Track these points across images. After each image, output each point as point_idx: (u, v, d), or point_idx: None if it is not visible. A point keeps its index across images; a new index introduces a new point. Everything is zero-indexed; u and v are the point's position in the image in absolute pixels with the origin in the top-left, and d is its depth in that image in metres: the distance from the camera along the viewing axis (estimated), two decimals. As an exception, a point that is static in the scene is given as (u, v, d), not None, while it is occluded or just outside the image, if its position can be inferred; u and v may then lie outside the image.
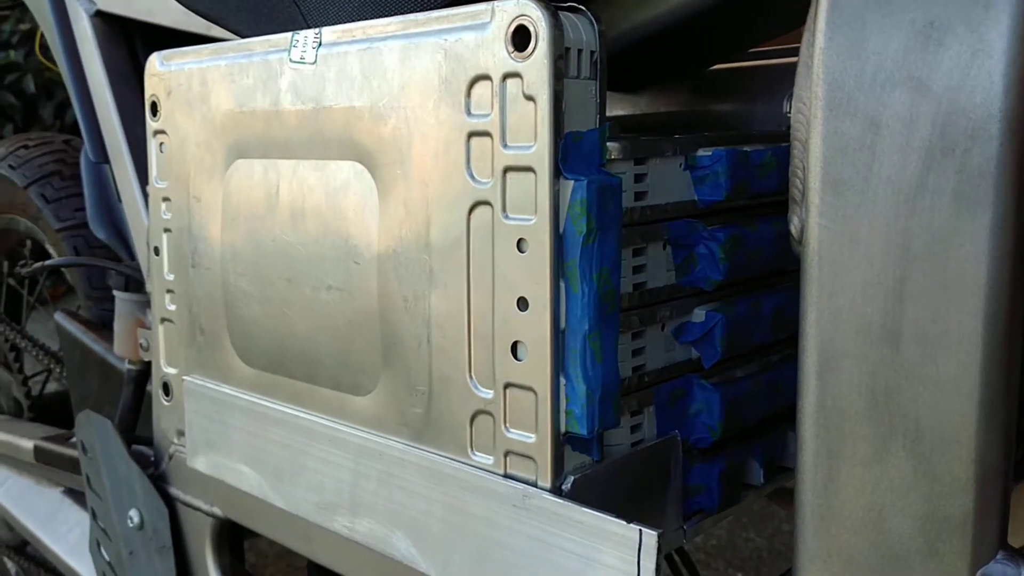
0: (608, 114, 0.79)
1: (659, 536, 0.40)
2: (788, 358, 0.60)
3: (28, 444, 0.95)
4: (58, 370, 1.10)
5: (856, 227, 0.36)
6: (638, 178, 0.49)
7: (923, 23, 0.34)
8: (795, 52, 0.73)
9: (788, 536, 1.49)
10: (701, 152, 0.52)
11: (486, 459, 0.48)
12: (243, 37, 0.66)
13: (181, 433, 0.69)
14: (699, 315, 0.53)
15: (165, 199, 0.67)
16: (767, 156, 0.54)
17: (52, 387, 1.27)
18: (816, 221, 0.37)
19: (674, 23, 0.57)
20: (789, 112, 0.72)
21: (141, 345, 0.75)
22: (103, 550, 0.77)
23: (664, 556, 0.80)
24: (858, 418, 0.36)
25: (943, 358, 0.34)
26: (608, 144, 0.47)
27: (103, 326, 0.96)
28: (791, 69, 0.72)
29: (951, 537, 0.35)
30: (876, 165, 0.35)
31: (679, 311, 0.52)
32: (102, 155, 0.88)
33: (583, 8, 0.46)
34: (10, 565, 1.28)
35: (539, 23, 0.43)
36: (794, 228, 0.39)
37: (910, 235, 0.34)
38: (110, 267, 0.79)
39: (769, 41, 0.72)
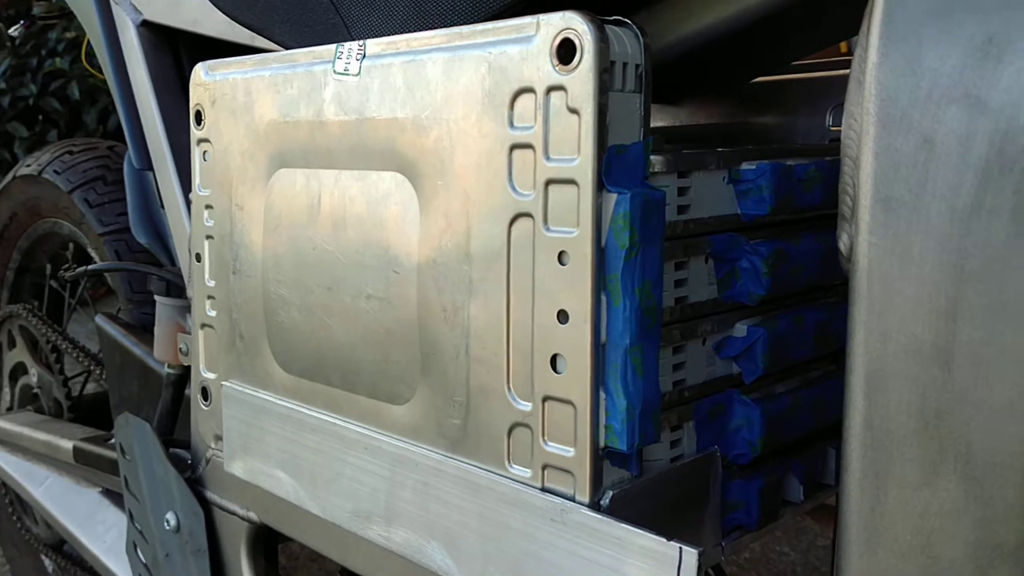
0: (657, 126, 0.79)
1: (699, 554, 0.40)
2: (830, 374, 0.59)
3: (67, 445, 0.97)
4: (98, 371, 1.12)
5: (908, 246, 0.35)
6: (681, 191, 0.48)
7: (982, 39, 0.33)
8: (838, 65, 0.73)
9: (822, 551, 1.46)
10: (745, 166, 0.51)
11: (524, 472, 0.47)
12: (287, 48, 0.66)
13: (219, 438, 0.69)
14: (741, 330, 0.52)
15: (208, 207, 0.68)
16: (811, 170, 0.54)
17: (91, 388, 1.29)
18: (866, 239, 0.36)
19: (718, 37, 0.56)
20: (831, 125, 0.71)
21: (181, 350, 0.76)
22: (140, 552, 0.78)
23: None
24: (907, 440, 0.36)
25: (997, 381, 0.33)
26: (652, 157, 0.46)
27: (143, 329, 0.97)
28: (833, 82, 0.72)
29: (1004, 564, 0.34)
30: (930, 183, 0.34)
31: (720, 326, 0.52)
32: (146, 162, 0.89)
33: (629, 22, 0.45)
34: (47, 563, 1.31)
35: (585, 36, 0.43)
36: (843, 245, 0.38)
37: (964, 255, 0.34)
38: (152, 272, 0.80)
39: (812, 54, 0.71)
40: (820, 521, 0.77)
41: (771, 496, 0.54)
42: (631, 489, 0.46)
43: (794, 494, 0.57)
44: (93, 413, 1.18)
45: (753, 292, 0.51)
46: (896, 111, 0.35)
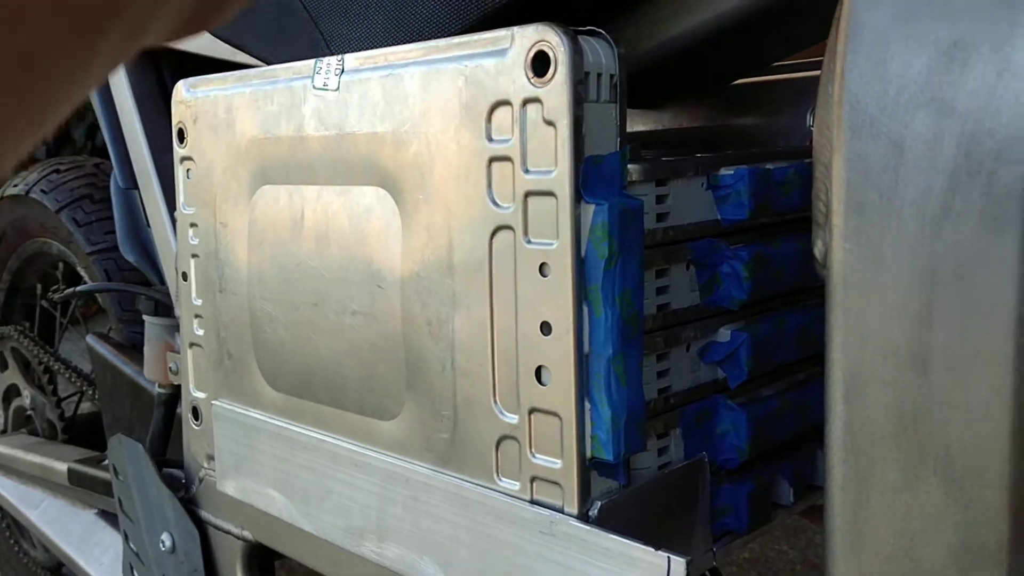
0: (630, 130, 0.79)
1: (688, 563, 0.40)
2: (814, 376, 0.59)
3: (62, 467, 0.97)
4: (91, 392, 1.12)
5: (881, 250, 0.35)
6: (660, 199, 0.49)
7: (947, 44, 0.33)
8: (818, 66, 0.73)
9: (821, 548, 1.46)
10: (723, 171, 0.51)
11: (512, 485, 0.48)
12: (267, 64, 0.66)
13: (211, 457, 0.69)
14: (724, 335, 0.52)
15: (193, 224, 0.68)
16: (790, 173, 0.54)
17: (85, 407, 1.29)
18: (840, 244, 0.36)
19: (696, 40, 0.56)
20: (812, 126, 0.71)
21: (171, 369, 0.76)
22: (136, 573, 0.78)
23: None
24: (887, 443, 0.36)
25: (973, 382, 0.34)
26: (629, 166, 0.47)
27: (134, 348, 0.97)
28: (813, 82, 0.72)
29: (986, 565, 0.34)
30: (900, 188, 0.35)
31: (704, 331, 0.52)
32: (131, 181, 0.89)
33: (602, 32, 0.46)
34: (46, 585, 1.30)
35: (558, 48, 0.43)
36: (818, 251, 0.38)
37: (936, 258, 0.34)
38: (140, 292, 0.80)
39: (790, 56, 0.71)
40: (814, 521, 0.77)
41: (761, 500, 0.54)
42: (619, 499, 0.46)
43: (784, 496, 0.57)
44: (87, 433, 1.18)
45: (735, 297, 0.51)
46: (865, 117, 0.35)
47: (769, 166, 0.53)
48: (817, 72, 0.75)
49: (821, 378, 0.55)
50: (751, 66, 0.70)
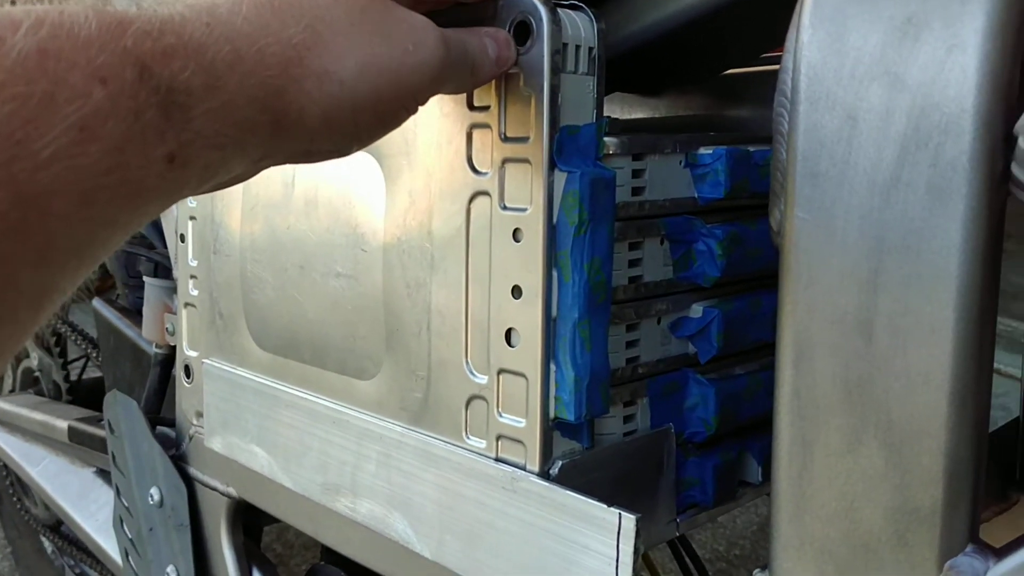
0: (626, 117, 0.80)
1: (637, 520, 0.41)
2: (791, 358, 0.60)
3: (63, 424, 0.99)
4: (96, 356, 1.14)
5: (832, 219, 0.36)
6: (636, 173, 0.50)
7: (901, 19, 0.34)
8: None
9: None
10: (702, 150, 0.52)
11: (479, 443, 0.49)
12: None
13: (200, 414, 0.71)
14: (696, 310, 0.53)
15: (192, 189, 0.70)
16: (770, 156, 0.55)
17: (91, 374, 1.32)
18: (794, 213, 0.37)
19: (686, 24, 0.57)
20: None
21: (167, 329, 0.78)
22: (125, 526, 0.80)
23: (674, 550, 0.80)
24: (831, 409, 0.37)
25: (914, 350, 0.35)
26: (606, 139, 0.48)
27: (138, 313, 0.99)
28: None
29: (920, 528, 0.35)
30: (852, 158, 0.36)
31: (676, 306, 0.53)
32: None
33: (583, 5, 0.47)
34: (46, 544, 1.33)
35: (538, 19, 0.45)
36: (774, 221, 0.39)
37: (884, 227, 0.35)
38: (141, 254, 0.82)
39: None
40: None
41: (727, 475, 0.55)
42: (581, 460, 0.47)
43: (752, 475, 0.58)
44: (91, 396, 1.21)
45: (708, 274, 0.52)
46: (822, 89, 0.36)
47: (750, 148, 0.54)
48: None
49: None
50: (745, 54, 0.71)
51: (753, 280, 0.57)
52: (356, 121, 0.35)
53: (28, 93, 0.23)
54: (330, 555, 0.76)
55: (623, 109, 0.80)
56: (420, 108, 0.39)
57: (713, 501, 0.54)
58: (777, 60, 0.75)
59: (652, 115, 0.80)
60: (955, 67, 0.33)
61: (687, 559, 0.85)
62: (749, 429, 0.57)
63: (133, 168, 0.26)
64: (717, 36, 0.62)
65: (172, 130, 0.27)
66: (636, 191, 0.50)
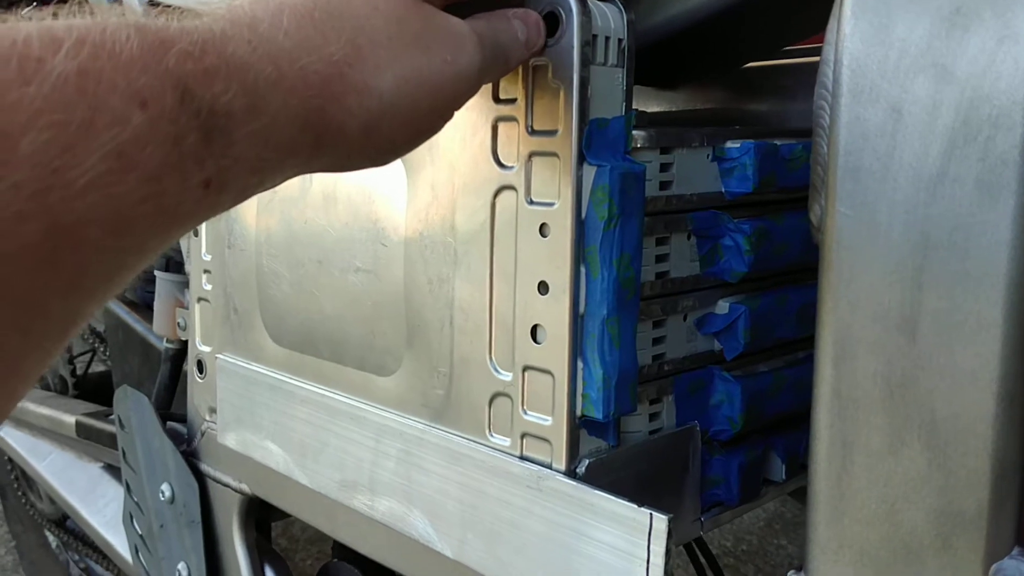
0: (644, 109, 0.79)
1: (669, 520, 0.41)
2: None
3: (70, 419, 0.98)
4: (103, 350, 1.13)
5: (875, 214, 0.35)
6: (664, 167, 0.49)
7: (949, 9, 0.34)
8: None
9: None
10: (729, 144, 0.52)
11: (503, 441, 0.48)
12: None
13: (213, 410, 0.71)
14: (723, 307, 0.52)
15: (205, 182, 0.69)
16: (797, 150, 0.54)
17: (97, 369, 1.31)
18: (836, 208, 0.36)
19: (709, 15, 0.57)
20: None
21: (179, 324, 0.77)
22: (135, 522, 0.79)
23: (687, 547, 0.79)
24: (873, 408, 0.36)
25: (960, 348, 0.34)
26: (634, 133, 0.47)
27: (146, 307, 0.98)
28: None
29: (965, 531, 0.34)
30: (897, 152, 0.35)
31: (702, 302, 0.52)
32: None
33: (613, -3, 0.46)
34: (51, 538, 1.32)
35: (568, 9, 0.44)
36: (814, 216, 0.39)
37: (930, 223, 0.34)
38: (152, 248, 0.81)
39: (806, 39, 0.71)
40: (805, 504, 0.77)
41: (752, 473, 0.54)
42: (608, 458, 0.46)
43: (776, 473, 0.57)
44: (97, 391, 1.20)
45: (735, 269, 0.51)
46: (866, 81, 0.35)
47: (777, 142, 0.53)
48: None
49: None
50: (765, 47, 0.70)
51: (780, 276, 0.56)
52: (394, 134, 0.34)
53: (66, 120, 0.22)
54: (342, 552, 0.75)
55: (639, 102, 0.79)
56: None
57: (738, 500, 0.53)
58: (796, 53, 0.74)
59: (669, 109, 0.79)
60: (1007, 58, 0.32)
61: (701, 557, 0.84)
62: (774, 427, 0.56)
63: (170, 195, 0.25)
64: (740, 29, 0.61)
65: (211, 156, 0.26)
66: (664, 185, 0.49)
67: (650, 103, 0.80)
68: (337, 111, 0.30)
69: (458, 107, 0.38)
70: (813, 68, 0.72)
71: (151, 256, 0.27)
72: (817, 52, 0.73)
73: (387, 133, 0.33)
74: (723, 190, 0.52)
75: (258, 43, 0.27)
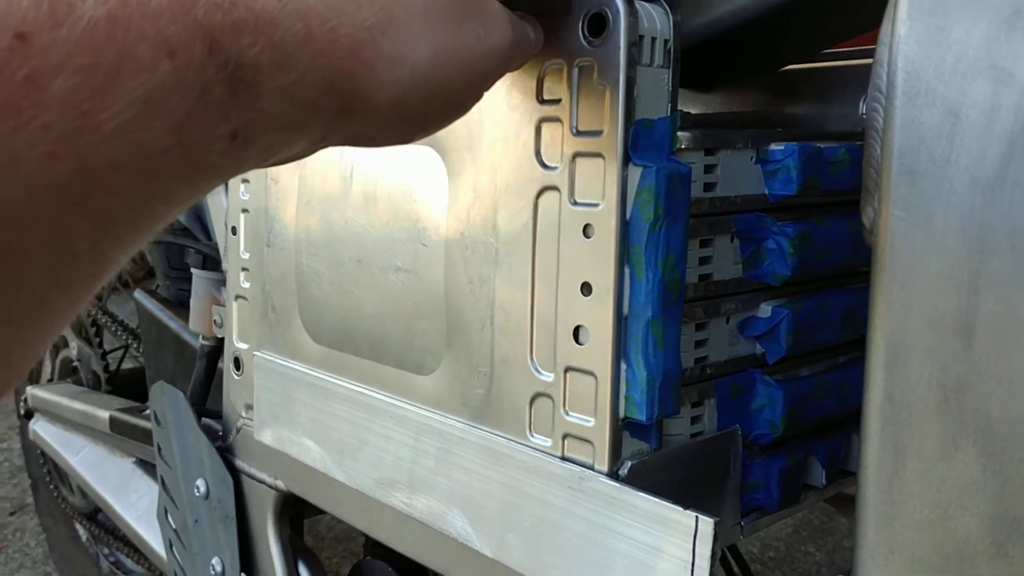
0: (689, 111, 0.79)
1: (715, 524, 0.40)
2: (856, 360, 0.59)
3: (104, 415, 1.00)
4: (135, 346, 1.15)
5: (931, 218, 0.35)
6: (708, 169, 0.49)
7: (1009, 11, 0.33)
8: (870, 54, 0.72)
9: (849, 552, 1.45)
10: (773, 146, 0.51)
11: (544, 441, 0.48)
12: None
13: (249, 407, 0.71)
14: (765, 310, 0.52)
15: (244, 180, 0.70)
16: (841, 153, 0.53)
17: (128, 365, 1.32)
18: (889, 211, 0.36)
19: (753, 17, 0.56)
20: (865, 114, 0.71)
21: (215, 322, 0.78)
22: (170, 517, 0.80)
23: (720, 554, 0.79)
24: (927, 413, 0.36)
25: (1018, 354, 0.33)
26: (679, 134, 0.47)
27: (179, 304, 0.99)
28: (866, 71, 0.71)
29: (1021, 540, 0.34)
30: (954, 155, 0.34)
31: (745, 305, 0.52)
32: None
33: (660, -2, 0.46)
34: (81, 531, 1.34)
35: (615, 10, 0.44)
36: (866, 219, 0.38)
37: (987, 227, 0.34)
38: (190, 245, 0.82)
39: (845, 42, 0.70)
40: (841, 509, 0.76)
41: (792, 478, 0.54)
42: (650, 461, 0.46)
43: (816, 478, 0.57)
44: (130, 387, 1.21)
45: (778, 273, 0.51)
46: (921, 84, 0.35)
47: (820, 145, 0.53)
48: (869, 60, 0.74)
49: (862, 363, 0.55)
50: (805, 50, 0.69)
51: (822, 280, 0.55)
52: (425, 109, 0.34)
53: (95, 64, 0.22)
54: (375, 550, 0.75)
55: (679, 104, 0.79)
56: (487, 99, 0.38)
57: (778, 504, 0.53)
58: (835, 56, 0.73)
59: (705, 111, 0.79)
60: (1070, 61, 0.32)
61: (733, 563, 0.84)
62: (815, 432, 0.56)
63: (196, 145, 0.25)
64: (783, 30, 0.60)
65: (237, 108, 0.26)
66: (708, 187, 0.49)
67: (687, 105, 0.80)
68: (366, 79, 0.30)
69: (488, 86, 0.38)
70: (851, 71, 0.72)
71: (180, 207, 0.27)
72: (854, 55, 0.73)
73: (417, 106, 0.33)
74: (767, 192, 0.51)
75: (288, 0, 0.27)
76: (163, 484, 0.80)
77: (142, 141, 0.23)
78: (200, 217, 0.94)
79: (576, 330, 0.46)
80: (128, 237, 0.25)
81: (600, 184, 0.45)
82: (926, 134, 0.35)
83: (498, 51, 0.36)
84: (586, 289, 0.46)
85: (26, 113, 0.21)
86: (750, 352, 0.52)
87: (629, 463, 0.45)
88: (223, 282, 0.76)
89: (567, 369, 0.47)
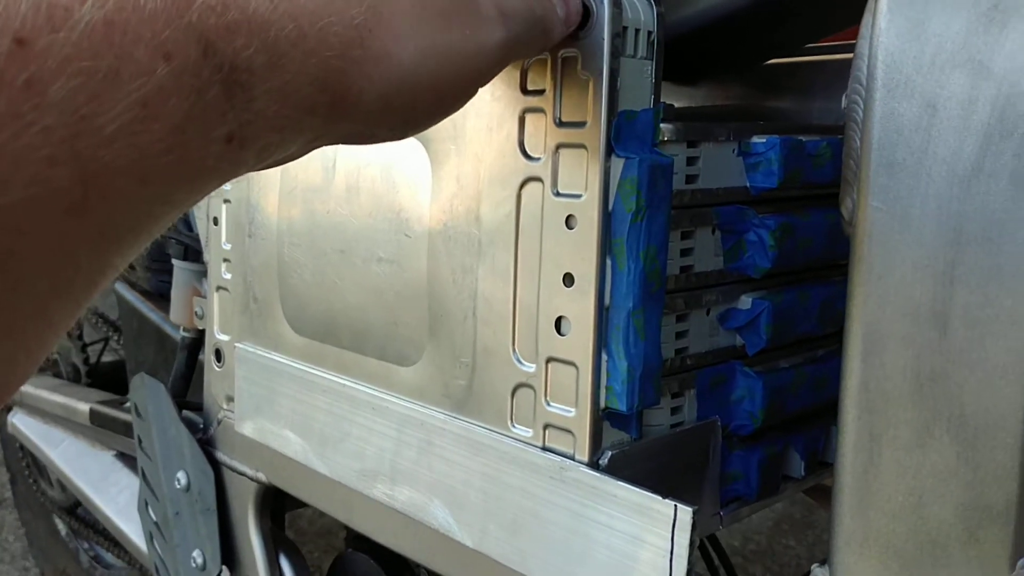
0: (672, 104, 0.79)
1: (694, 513, 0.41)
2: (835, 352, 0.59)
3: (84, 407, 0.99)
4: (115, 339, 1.14)
5: (908, 209, 0.35)
6: (690, 161, 0.49)
7: (987, 5, 0.34)
8: (854, 49, 0.72)
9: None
10: (755, 139, 0.52)
11: (525, 431, 0.48)
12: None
13: (230, 399, 0.71)
14: (745, 302, 0.53)
15: (226, 171, 0.69)
16: (822, 146, 0.54)
17: (108, 358, 1.31)
18: (868, 202, 0.36)
19: (740, 10, 0.57)
20: (846, 106, 0.71)
21: (196, 313, 0.78)
22: (150, 510, 0.79)
23: (699, 544, 0.80)
24: (902, 402, 0.36)
25: (992, 343, 0.34)
26: (662, 126, 0.47)
27: (160, 296, 0.99)
28: (848, 66, 0.72)
29: (992, 525, 0.35)
30: (931, 147, 0.35)
31: (725, 297, 0.52)
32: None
33: (642, -11, 0.46)
34: (60, 525, 1.33)
35: (598, 1, 0.44)
36: (845, 210, 0.39)
37: (963, 218, 0.34)
38: (170, 236, 0.81)
39: (828, 37, 0.71)
40: (820, 502, 0.77)
41: (771, 469, 0.55)
42: (630, 451, 0.47)
43: (795, 469, 0.57)
44: (110, 380, 1.20)
45: (759, 265, 0.52)
46: (901, 76, 0.35)
47: (802, 138, 0.53)
48: (852, 56, 0.75)
49: (840, 355, 0.55)
50: (793, 43, 0.70)
51: (802, 272, 0.56)
52: (414, 106, 0.34)
53: (94, 68, 0.22)
54: (356, 543, 0.75)
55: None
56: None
57: (756, 495, 0.54)
58: (818, 51, 0.74)
59: (689, 104, 0.79)
60: (1045, 55, 0.32)
61: (714, 555, 0.85)
62: (794, 423, 0.56)
63: (193, 148, 0.25)
64: (768, 24, 0.61)
65: (233, 110, 0.26)
66: (690, 179, 0.49)
67: (671, 98, 0.80)
68: (356, 76, 0.30)
69: (481, 84, 0.38)
70: (834, 66, 0.72)
71: (178, 210, 0.27)
72: (837, 50, 0.73)
73: (407, 103, 0.33)
74: (748, 185, 0.52)
75: (279, 1, 0.28)
76: (144, 477, 0.80)
77: (141, 144, 0.23)
78: (182, 208, 0.93)
79: (558, 321, 0.47)
80: (127, 240, 0.25)
81: (583, 175, 0.45)
82: (905, 126, 0.35)
83: (487, 51, 0.36)
84: (568, 280, 0.46)
85: (26, 117, 0.21)
86: (730, 344, 0.53)
87: (609, 453, 0.46)
88: (204, 273, 0.75)
89: (549, 360, 0.47)
